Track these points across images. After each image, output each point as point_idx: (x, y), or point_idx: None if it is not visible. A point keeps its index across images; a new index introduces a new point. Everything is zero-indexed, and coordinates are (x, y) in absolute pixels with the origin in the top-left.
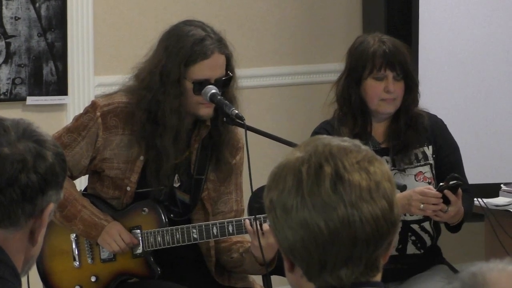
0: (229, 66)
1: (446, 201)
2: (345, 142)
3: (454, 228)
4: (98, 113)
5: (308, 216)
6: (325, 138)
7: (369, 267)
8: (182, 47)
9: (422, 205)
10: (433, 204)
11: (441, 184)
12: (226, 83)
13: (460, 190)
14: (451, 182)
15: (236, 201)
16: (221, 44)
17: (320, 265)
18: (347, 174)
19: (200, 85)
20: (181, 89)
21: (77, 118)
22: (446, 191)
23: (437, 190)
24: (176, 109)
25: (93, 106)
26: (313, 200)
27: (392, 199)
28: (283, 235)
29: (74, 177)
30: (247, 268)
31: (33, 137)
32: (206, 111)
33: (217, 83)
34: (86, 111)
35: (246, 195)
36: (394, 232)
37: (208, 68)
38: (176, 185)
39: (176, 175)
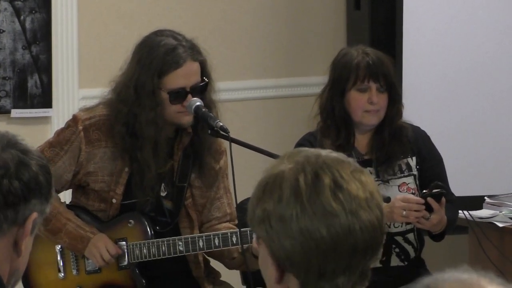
0: (204, 72)
1: (429, 208)
2: (333, 153)
3: (437, 237)
4: (80, 127)
5: (309, 224)
6: (310, 150)
7: (362, 276)
8: (154, 58)
9: (404, 212)
10: (416, 211)
11: (424, 191)
12: (202, 89)
13: (443, 199)
14: (434, 190)
15: (228, 204)
16: (193, 51)
17: (319, 273)
18: (345, 183)
19: (177, 94)
20: (157, 100)
21: (58, 133)
22: (429, 199)
23: (420, 197)
24: (152, 121)
25: (75, 120)
26: (314, 208)
27: (382, 209)
28: (279, 245)
29: (56, 192)
30: (251, 264)
31: (17, 147)
32: (186, 119)
33: (193, 90)
34: (68, 125)
35: None
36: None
37: (182, 76)
38: (163, 194)
39: (163, 184)
